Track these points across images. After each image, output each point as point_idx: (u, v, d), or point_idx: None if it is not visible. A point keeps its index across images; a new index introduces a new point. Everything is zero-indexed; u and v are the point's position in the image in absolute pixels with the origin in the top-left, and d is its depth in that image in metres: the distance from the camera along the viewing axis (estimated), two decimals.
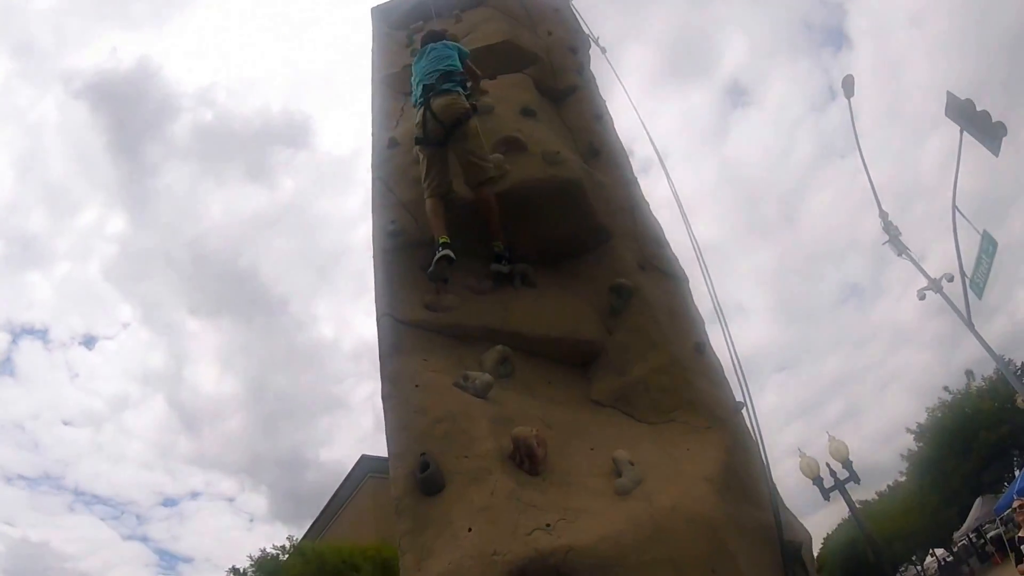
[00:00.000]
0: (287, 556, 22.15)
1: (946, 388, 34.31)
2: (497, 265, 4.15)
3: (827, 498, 13.26)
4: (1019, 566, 7.11)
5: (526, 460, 2.94)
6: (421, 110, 4.40)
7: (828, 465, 13.57)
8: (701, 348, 4.16)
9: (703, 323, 4.57)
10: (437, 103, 4.35)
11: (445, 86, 4.40)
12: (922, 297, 13.95)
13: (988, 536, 27.90)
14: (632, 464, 3.05)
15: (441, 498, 2.82)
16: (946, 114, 11.55)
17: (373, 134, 5.45)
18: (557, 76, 6.20)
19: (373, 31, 7.20)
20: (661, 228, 5.24)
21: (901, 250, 13.99)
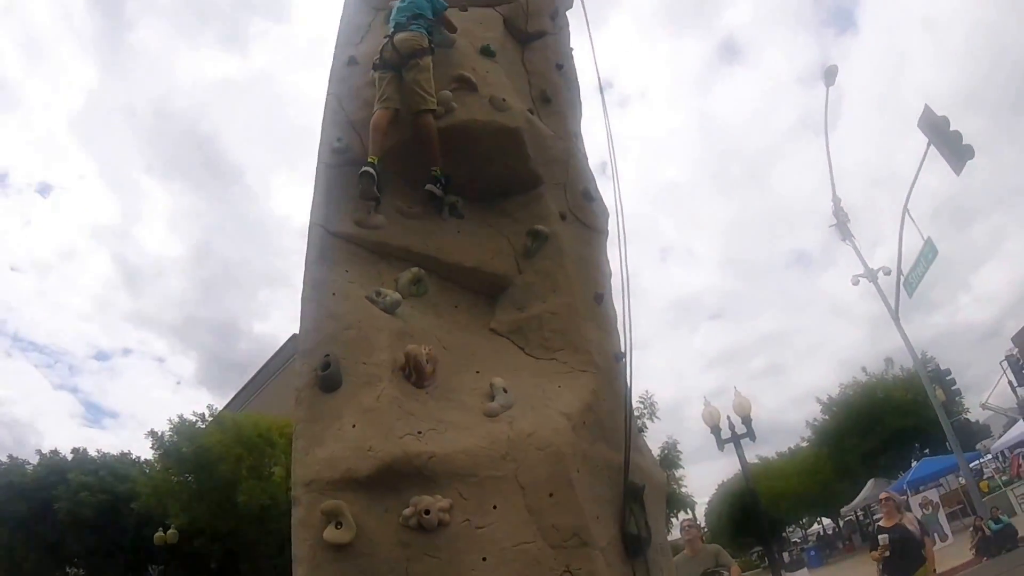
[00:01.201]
0: (206, 424, 22.84)
1: (864, 369, 36.19)
2: (431, 186, 4.47)
3: (721, 448, 14.28)
4: (872, 552, 8.09)
5: (414, 373, 3.44)
6: (386, 41, 4.78)
7: (729, 418, 14.47)
8: (600, 298, 4.65)
9: (610, 276, 5.04)
10: (399, 36, 4.74)
11: (412, 26, 4.77)
12: (856, 283, 14.74)
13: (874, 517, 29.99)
14: (506, 391, 3.57)
15: (336, 395, 3.30)
16: (918, 125, 12.06)
17: (337, 46, 5.62)
18: (530, 19, 6.29)
19: None
20: (594, 182, 5.62)
21: (845, 236, 14.70)
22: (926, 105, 12.12)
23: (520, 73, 5.91)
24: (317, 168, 4.43)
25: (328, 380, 3.29)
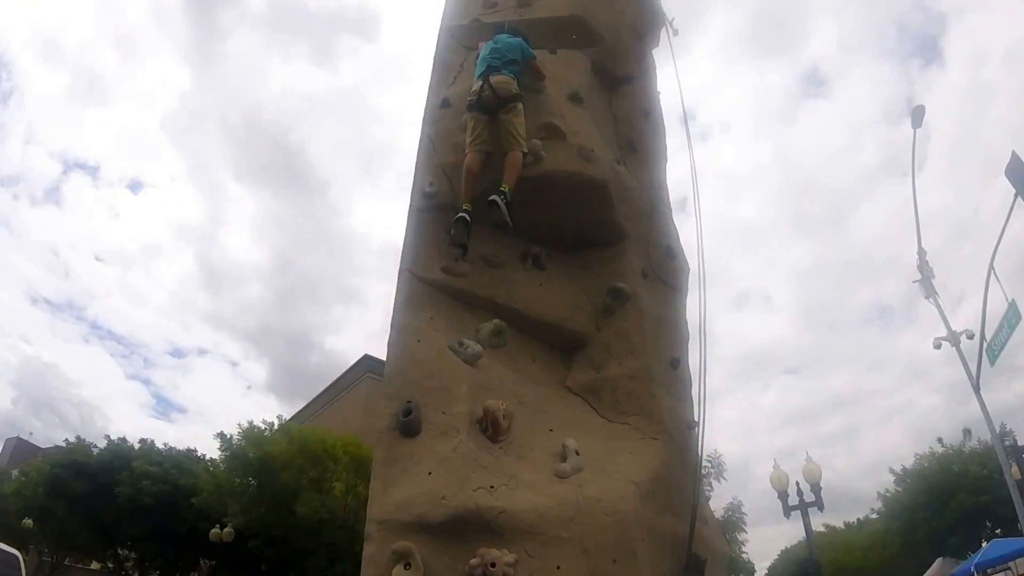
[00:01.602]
0: (273, 432, 23.50)
1: (940, 440, 34.68)
2: (496, 198, 4.44)
3: (787, 516, 13.82)
4: None
5: (490, 428, 3.55)
6: (480, 82, 4.91)
7: (798, 484, 14.04)
8: (676, 363, 4.69)
9: (687, 339, 5.06)
10: (496, 79, 4.88)
11: (505, 70, 4.92)
12: (938, 346, 14.17)
13: None
14: (577, 454, 3.64)
15: (414, 441, 3.44)
16: (1005, 174, 11.64)
17: (430, 85, 5.80)
18: (617, 62, 6.34)
19: None
20: (677, 238, 5.65)
21: (929, 294, 14.15)
22: (1013, 152, 11.56)
23: (608, 119, 6.01)
24: (409, 211, 4.61)
25: (408, 426, 3.43)
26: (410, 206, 4.66)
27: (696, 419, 4.47)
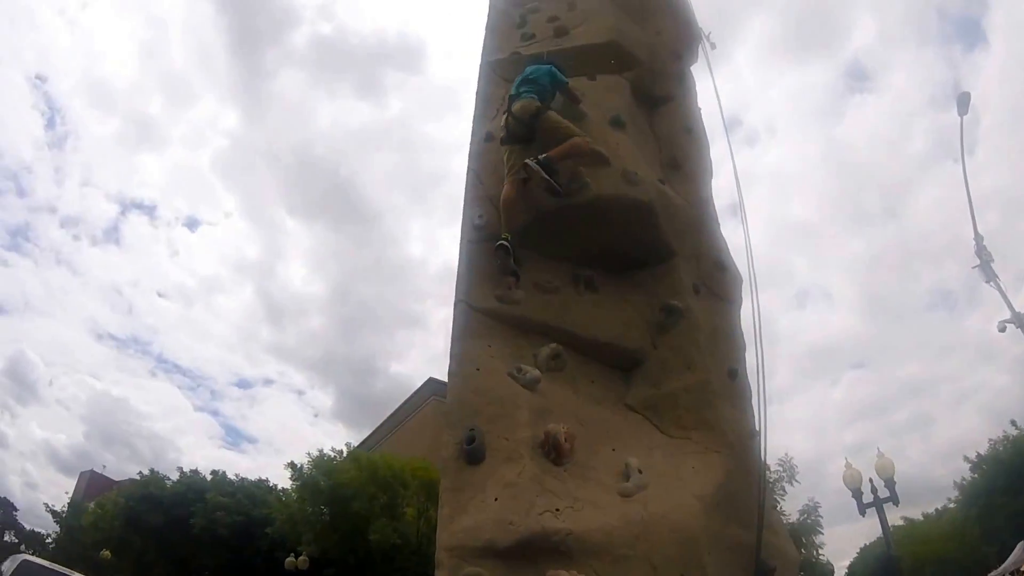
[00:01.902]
0: (342, 460, 23.94)
1: (1013, 423, 33.51)
2: (533, 164, 4.67)
3: (862, 514, 13.59)
4: None
5: (553, 452, 3.66)
6: (504, 115, 5.14)
7: (871, 481, 13.81)
8: (734, 374, 4.73)
9: (743, 348, 5.10)
10: (515, 106, 5.10)
11: (523, 93, 5.14)
12: (1002, 329, 13.79)
13: None
14: (640, 472, 3.73)
15: (479, 468, 3.57)
16: None
17: (474, 119, 6.00)
18: (656, 82, 6.49)
19: (489, 4, 7.55)
20: (727, 250, 5.69)
21: (990, 277, 13.79)
22: None
23: (650, 139, 6.12)
24: (460, 245, 4.78)
25: (473, 454, 3.56)
26: (461, 239, 4.82)
27: (757, 428, 4.50)
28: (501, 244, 4.52)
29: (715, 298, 5.17)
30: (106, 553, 28.32)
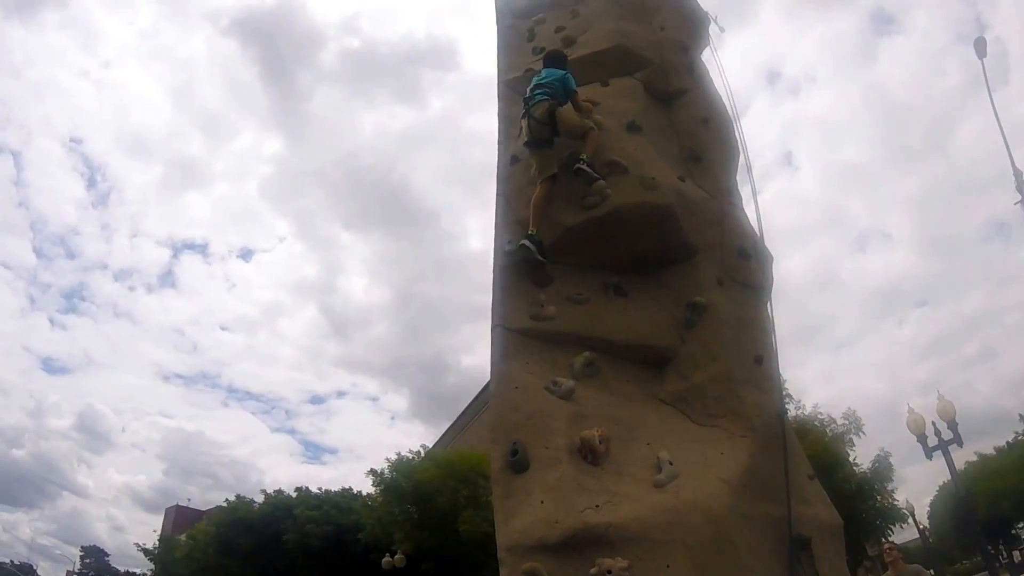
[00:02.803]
0: (420, 460, 24.90)
1: None
2: (581, 165, 5.32)
3: (929, 457, 13.88)
4: None
5: (589, 454, 4.15)
6: (523, 120, 5.66)
7: (935, 424, 14.05)
8: (760, 360, 5.13)
9: (771, 333, 5.47)
10: (533, 110, 5.60)
11: (537, 96, 5.64)
12: None
13: None
14: (671, 463, 4.19)
15: (525, 476, 4.10)
16: None
17: (499, 142, 6.44)
18: (668, 78, 6.78)
19: (496, 19, 7.90)
20: (751, 237, 6.01)
21: None
22: None
23: (669, 135, 6.46)
24: (493, 270, 5.28)
25: (518, 464, 4.09)
26: (494, 265, 5.32)
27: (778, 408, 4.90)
28: (523, 244, 5.08)
29: (740, 287, 5.54)
30: None
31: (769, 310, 5.19)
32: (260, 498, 32.82)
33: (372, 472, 25.15)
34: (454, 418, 45.40)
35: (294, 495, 31.82)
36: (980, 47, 13.50)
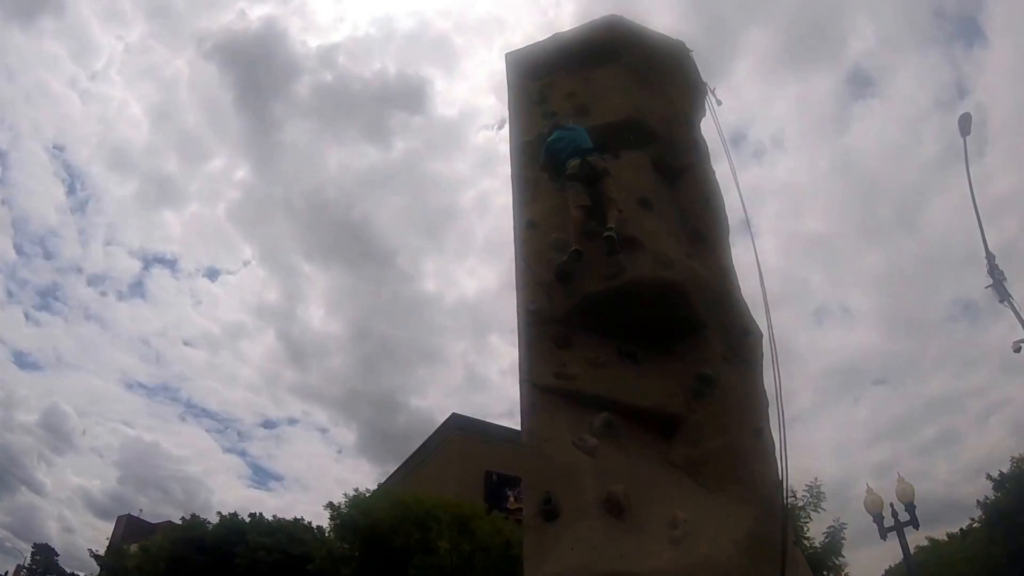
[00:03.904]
0: (376, 498, 25.02)
1: None
2: (610, 232, 5.84)
3: (884, 538, 14.37)
4: None
5: (614, 509, 4.55)
6: (578, 160, 6.35)
7: (892, 506, 14.54)
8: (759, 433, 5.64)
9: (767, 407, 5.95)
10: (591, 157, 6.36)
11: (585, 147, 6.46)
12: (1017, 350, 14.51)
13: None
14: (685, 521, 4.63)
15: (556, 524, 4.51)
16: None
17: (514, 204, 6.90)
18: (674, 154, 7.35)
19: (508, 79, 8.33)
20: (748, 312, 6.55)
21: (1003, 297, 14.54)
22: None
23: (673, 211, 6.99)
24: (518, 329, 5.76)
25: (550, 513, 4.50)
26: (518, 324, 5.74)
27: (780, 478, 5.32)
28: (576, 249, 5.80)
29: (742, 363, 6.08)
30: None
31: (776, 384, 5.59)
32: (211, 517, 32.94)
33: (330, 505, 25.17)
34: (401, 458, 45.82)
35: (248, 520, 31.76)
36: (964, 124, 14.08)
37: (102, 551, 38.82)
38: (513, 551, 25.23)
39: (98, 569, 38.22)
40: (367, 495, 25.47)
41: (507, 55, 8.53)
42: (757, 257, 6.64)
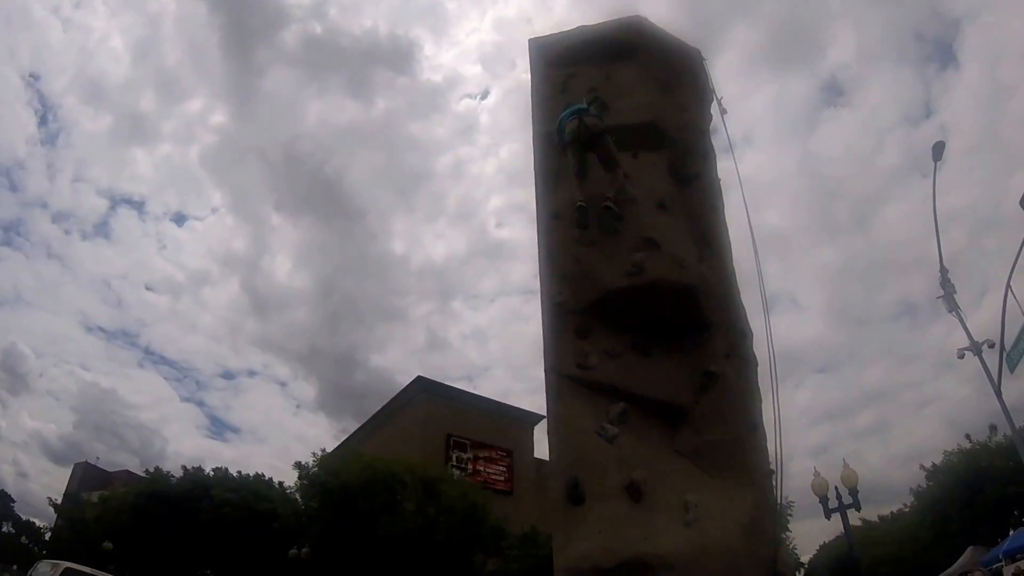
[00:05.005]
0: (344, 460, 25.52)
1: (968, 436, 36.20)
2: (609, 203, 6.37)
3: (828, 517, 15.69)
4: None
5: (635, 493, 4.98)
6: (576, 121, 6.72)
7: (837, 489, 15.68)
8: (755, 427, 6.13)
9: (761, 402, 6.44)
10: (588, 119, 6.71)
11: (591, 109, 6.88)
12: (961, 356, 15.52)
13: None
14: (696, 505, 5.13)
15: (581, 507, 4.94)
16: (1021, 203, 12.88)
17: (537, 196, 7.20)
18: (686, 160, 7.66)
19: (531, 65, 8.44)
20: (745, 315, 6.99)
21: (952, 308, 15.46)
22: None
23: (684, 216, 7.31)
24: (543, 320, 6.15)
25: (576, 497, 4.94)
26: (543, 314, 6.10)
27: (772, 468, 5.81)
28: (581, 205, 6.33)
29: (741, 361, 6.57)
30: (107, 544, 29.48)
31: (772, 381, 6.04)
32: (170, 467, 33.10)
33: (298, 465, 25.49)
34: (359, 415, 46.70)
35: (211, 474, 31.81)
36: (938, 151, 14.94)
37: (59, 499, 38.62)
38: (478, 515, 26.03)
39: (55, 517, 38.11)
40: (334, 456, 25.92)
41: (530, 40, 8.58)
42: (759, 267, 7.13)
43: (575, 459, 5.26)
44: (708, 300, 6.43)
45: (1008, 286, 13.86)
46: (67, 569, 14.18)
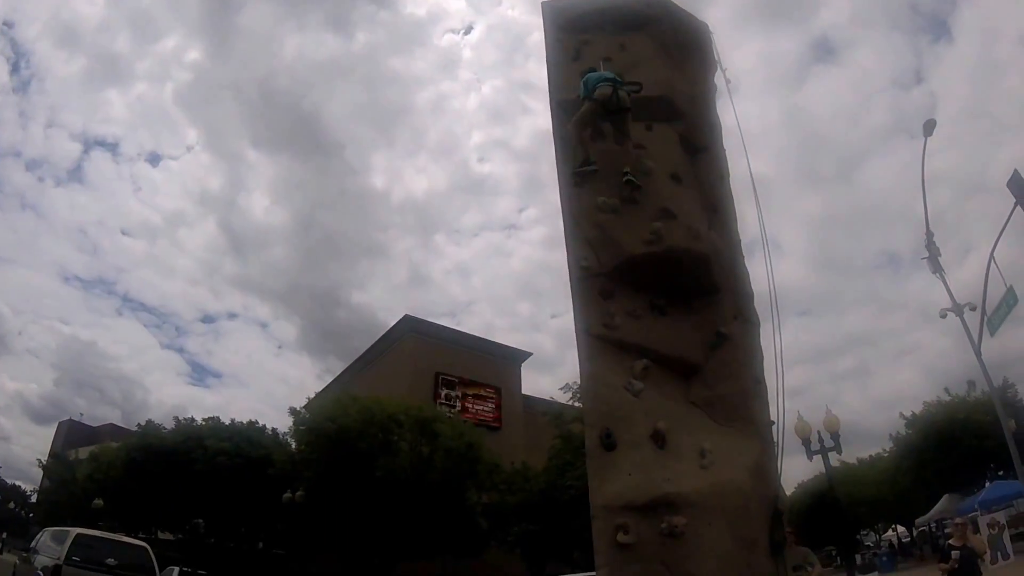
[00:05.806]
0: (339, 403, 26.00)
1: (947, 390, 37.68)
2: (630, 177, 6.96)
3: (810, 459, 16.72)
4: (941, 564, 10.01)
5: (659, 440, 5.65)
6: (610, 88, 7.10)
7: (819, 433, 16.65)
8: (758, 381, 6.80)
9: (763, 359, 7.09)
10: (621, 92, 7.10)
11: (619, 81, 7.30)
12: (943, 316, 16.27)
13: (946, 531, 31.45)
14: (710, 451, 5.86)
15: (614, 453, 5.68)
16: (1007, 185, 13.54)
17: (557, 161, 7.68)
18: (695, 134, 8.20)
19: (544, 30, 8.61)
20: (749, 280, 7.61)
21: (936, 270, 16.15)
22: (1016, 171, 13.50)
23: (695, 187, 7.91)
24: (571, 284, 6.74)
25: (609, 445, 5.63)
26: (571, 279, 6.68)
27: (773, 419, 6.52)
28: (583, 169, 7.00)
29: (746, 323, 7.26)
30: (99, 502, 29.70)
31: (776, 340, 6.71)
32: (151, 416, 33.21)
33: (292, 410, 26.03)
34: (342, 354, 47.48)
35: (203, 423, 32.15)
36: (928, 128, 15.49)
37: (45, 459, 38.40)
38: (473, 453, 26.79)
39: (41, 479, 37.76)
40: (324, 397, 26.48)
41: (544, 4, 8.75)
42: (766, 248, 7.73)
43: (607, 411, 5.95)
44: (718, 267, 7.09)
45: (991, 256, 14.65)
46: (79, 535, 13.59)
